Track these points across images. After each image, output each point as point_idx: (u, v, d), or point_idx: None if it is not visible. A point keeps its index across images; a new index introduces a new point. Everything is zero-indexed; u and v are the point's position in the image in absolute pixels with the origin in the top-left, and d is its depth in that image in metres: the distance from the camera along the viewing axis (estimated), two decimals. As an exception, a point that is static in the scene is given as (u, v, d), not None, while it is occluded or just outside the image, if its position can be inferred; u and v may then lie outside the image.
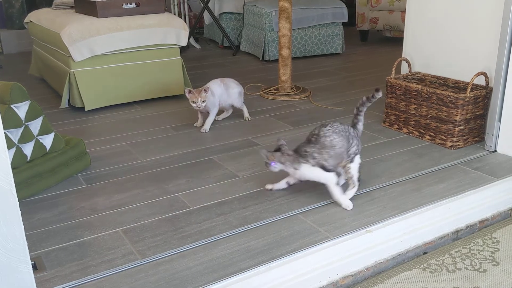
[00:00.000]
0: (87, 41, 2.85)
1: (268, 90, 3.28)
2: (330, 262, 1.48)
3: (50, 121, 2.79)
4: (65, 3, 3.73)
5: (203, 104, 2.48)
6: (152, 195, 1.89)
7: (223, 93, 2.63)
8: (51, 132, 1.99)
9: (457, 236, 1.71)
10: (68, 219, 1.73)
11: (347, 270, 1.49)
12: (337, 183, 1.75)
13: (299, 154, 1.74)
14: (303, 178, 1.80)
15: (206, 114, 2.62)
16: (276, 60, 4.28)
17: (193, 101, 2.47)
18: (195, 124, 2.68)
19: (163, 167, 2.15)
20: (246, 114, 2.76)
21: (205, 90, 2.47)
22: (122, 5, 3.03)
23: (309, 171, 1.73)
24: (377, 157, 2.20)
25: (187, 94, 2.48)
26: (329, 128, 1.74)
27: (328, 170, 1.72)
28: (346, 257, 1.50)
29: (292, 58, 4.30)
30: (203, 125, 2.61)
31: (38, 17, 3.55)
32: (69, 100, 3.02)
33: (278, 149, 1.77)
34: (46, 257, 1.51)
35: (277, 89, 3.25)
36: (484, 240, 1.68)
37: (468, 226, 1.73)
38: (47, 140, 1.97)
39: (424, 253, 1.63)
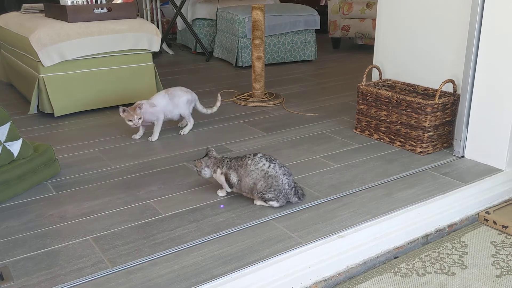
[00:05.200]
0: (57, 46, 2.80)
1: (241, 96, 3.28)
2: (303, 267, 1.48)
3: (18, 127, 2.73)
4: (35, 7, 3.66)
5: (140, 121, 2.42)
6: (123, 202, 1.87)
7: (168, 104, 2.54)
8: (19, 138, 1.94)
9: (427, 240, 1.74)
10: (36, 227, 1.69)
11: (319, 276, 1.49)
12: (280, 205, 1.81)
13: (221, 160, 1.87)
14: (217, 181, 1.91)
15: (149, 125, 2.57)
16: (249, 67, 4.30)
17: (130, 120, 2.40)
18: (133, 136, 2.57)
19: (135, 173, 2.13)
20: (186, 129, 2.64)
21: (139, 107, 2.41)
22: (93, 9, 2.99)
23: (219, 177, 1.87)
24: (348, 162, 2.22)
25: (121, 113, 2.39)
26: (257, 160, 1.79)
27: (230, 186, 1.85)
28: (318, 263, 1.50)
29: (265, 65, 4.33)
30: (151, 135, 2.55)
31: (6, 21, 3.48)
32: (38, 106, 2.96)
33: (205, 155, 1.91)
34: (13, 266, 1.47)
35: (250, 96, 3.26)
36: (453, 244, 1.71)
37: (437, 231, 1.76)
38: (15, 147, 1.92)
39: (395, 258, 1.65)
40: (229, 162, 1.85)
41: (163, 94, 2.57)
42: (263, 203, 1.81)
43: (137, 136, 2.57)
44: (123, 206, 1.84)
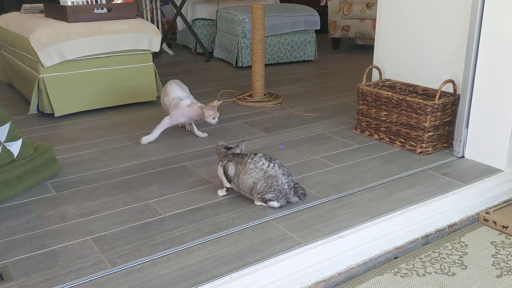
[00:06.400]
0: (57, 46, 2.80)
1: (241, 96, 3.28)
2: (303, 268, 1.48)
3: (18, 127, 2.73)
4: (35, 7, 3.66)
5: None
6: (123, 203, 1.87)
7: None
8: (19, 138, 1.94)
9: (427, 241, 1.74)
10: (36, 227, 1.69)
11: (319, 276, 1.49)
12: (279, 206, 1.80)
13: (227, 155, 1.88)
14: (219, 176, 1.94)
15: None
16: (249, 67, 4.30)
17: (214, 117, 2.42)
18: (197, 133, 2.59)
19: (135, 174, 2.13)
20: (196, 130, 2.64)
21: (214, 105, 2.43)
22: (93, 10, 2.99)
23: (219, 170, 1.89)
24: (348, 163, 2.22)
25: (210, 112, 2.39)
26: (256, 159, 1.79)
27: (228, 179, 1.85)
28: (318, 263, 1.50)
29: (265, 65, 4.33)
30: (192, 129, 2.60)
31: (7, 21, 3.48)
32: (38, 106, 2.96)
33: (229, 147, 1.92)
34: (13, 267, 1.47)
35: (250, 96, 3.26)
36: (453, 244, 1.71)
37: (437, 231, 1.76)
38: (15, 147, 1.92)
39: (395, 258, 1.65)
40: (231, 158, 1.85)
41: (176, 87, 2.53)
42: (263, 204, 1.81)
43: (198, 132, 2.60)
44: (123, 206, 1.84)
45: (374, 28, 4.80)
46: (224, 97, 3.35)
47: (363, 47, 5.45)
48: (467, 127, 2.23)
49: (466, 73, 2.18)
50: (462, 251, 1.67)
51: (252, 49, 3.15)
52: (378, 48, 2.69)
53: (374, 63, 2.72)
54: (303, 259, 1.51)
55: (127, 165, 2.22)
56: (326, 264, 1.51)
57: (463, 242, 1.73)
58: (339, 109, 3.05)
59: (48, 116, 2.94)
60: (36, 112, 2.99)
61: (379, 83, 2.61)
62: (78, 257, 1.52)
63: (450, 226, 1.80)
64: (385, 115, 2.42)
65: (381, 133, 2.47)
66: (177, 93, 2.50)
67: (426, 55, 2.45)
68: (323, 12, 5.82)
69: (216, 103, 2.44)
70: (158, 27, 5.03)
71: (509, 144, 2.08)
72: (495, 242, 1.73)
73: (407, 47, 2.53)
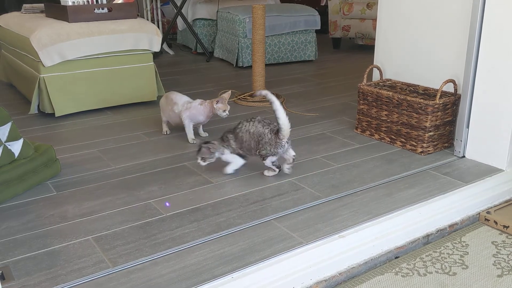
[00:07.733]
0: (57, 46, 2.80)
1: (241, 96, 3.28)
2: (304, 267, 1.48)
3: (19, 127, 2.73)
4: (35, 7, 3.66)
5: None
6: (124, 202, 1.87)
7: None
8: (20, 138, 1.94)
9: (428, 240, 1.74)
10: (36, 227, 1.69)
11: (320, 275, 1.49)
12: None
13: (222, 140, 2.06)
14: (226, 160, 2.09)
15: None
16: (250, 67, 4.30)
17: (225, 110, 2.44)
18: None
19: (135, 173, 2.13)
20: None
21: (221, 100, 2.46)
22: (94, 10, 2.99)
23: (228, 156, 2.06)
24: (349, 162, 2.22)
25: (219, 105, 2.42)
26: (246, 125, 2.02)
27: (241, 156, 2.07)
28: (319, 262, 1.50)
29: (266, 65, 4.32)
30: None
31: (7, 21, 3.48)
32: (38, 106, 2.96)
33: (200, 148, 2.04)
34: (14, 266, 1.47)
35: (250, 96, 3.26)
36: (454, 244, 1.71)
37: (438, 230, 1.76)
38: (16, 147, 1.92)
39: (396, 258, 1.65)
40: (228, 140, 2.05)
41: (180, 94, 2.55)
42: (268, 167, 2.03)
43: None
44: (123, 206, 1.84)
45: (374, 28, 4.80)
46: (225, 97, 3.34)
47: (364, 47, 5.45)
48: (468, 127, 2.23)
49: (466, 73, 2.18)
50: (463, 251, 1.67)
51: (253, 49, 3.15)
52: (378, 48, 2.69)
53: (374, 63, 2.72)
54: (304, 259, 1.51)
55: (128, 165, 2.22)
56: (327, 264, 1.51)
57: (464, 241, 1.73)
58: (339, 109, 3.05)
59: (48, 116, 2.94)
60: (36, 112, 2.99)
61: (380, 83, 2.61)
62: (79, 256, 1.52)
63: (451, 226, 1.80)
64: (385, 115, 2.42)
65: (382, 133, 2.47)
66: (184, 98, 2.52)
67: (426, 55, 2.45)
68: (323, 12, 5.82)
69: (226, 94, 2.46)
70: (158, 27, 5.03)
71: (510, 143, 2.08)
72: (496, 241, 1.73)
73: (408, 47, 2.53)
